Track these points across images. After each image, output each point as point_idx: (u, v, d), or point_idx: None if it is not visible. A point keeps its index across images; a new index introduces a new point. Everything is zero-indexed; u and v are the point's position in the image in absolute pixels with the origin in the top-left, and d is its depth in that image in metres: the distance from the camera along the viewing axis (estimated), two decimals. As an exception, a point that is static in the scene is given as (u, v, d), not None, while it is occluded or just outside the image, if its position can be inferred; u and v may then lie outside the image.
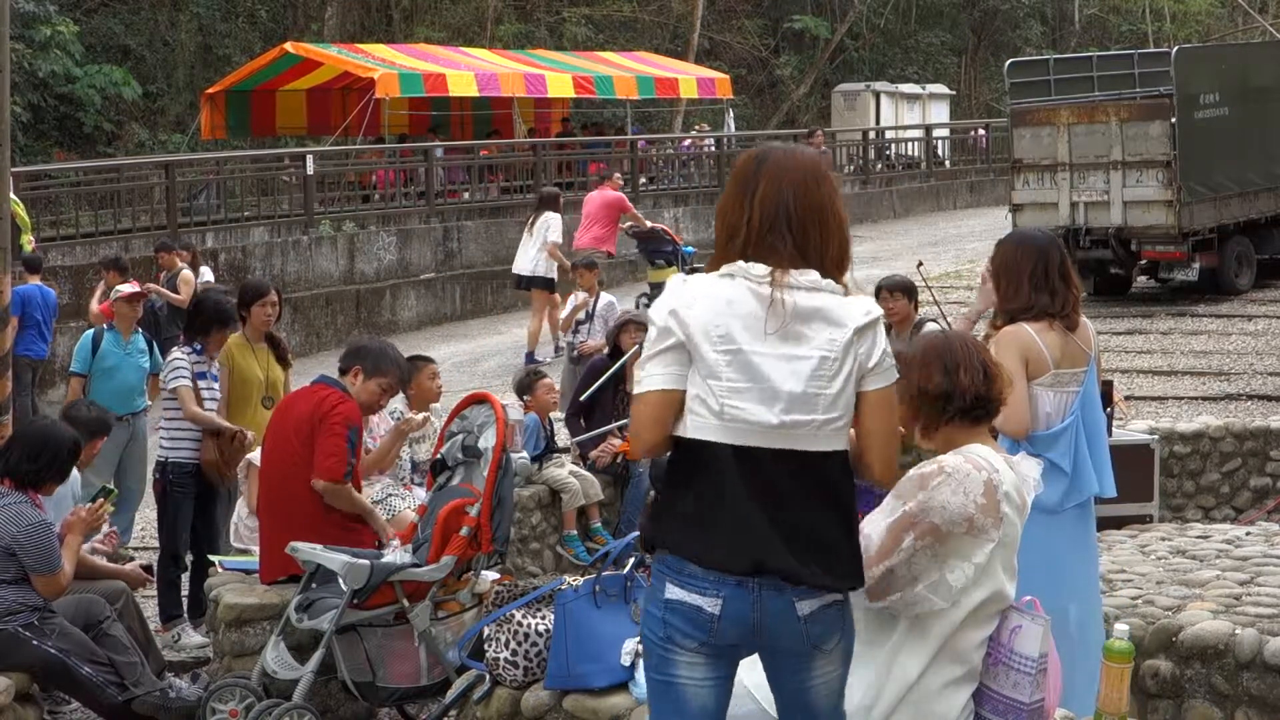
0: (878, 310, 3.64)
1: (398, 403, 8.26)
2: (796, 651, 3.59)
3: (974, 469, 3.88)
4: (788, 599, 3.53)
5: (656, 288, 16.31)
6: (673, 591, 3.55)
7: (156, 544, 9.68)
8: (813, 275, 3.55)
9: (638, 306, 14.89)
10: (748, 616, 3.52)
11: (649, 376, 3.54)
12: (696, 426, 3.51)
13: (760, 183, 3.59)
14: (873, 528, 3.92)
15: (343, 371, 7.08)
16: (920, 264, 7.77)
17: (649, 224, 18.26)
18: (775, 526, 3.52)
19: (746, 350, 3.49)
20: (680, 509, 3.58)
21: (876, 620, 3.94)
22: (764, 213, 3.56)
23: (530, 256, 16.44)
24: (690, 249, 17.99)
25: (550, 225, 16.35)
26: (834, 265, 3.60)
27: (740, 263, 3.54)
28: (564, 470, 9.50)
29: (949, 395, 3.97)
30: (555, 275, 16.25)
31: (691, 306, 3.51)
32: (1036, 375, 5.27)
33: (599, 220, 17.32)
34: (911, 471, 3.94)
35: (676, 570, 3.55)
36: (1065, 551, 5.32)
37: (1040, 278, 5.33)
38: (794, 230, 3.55)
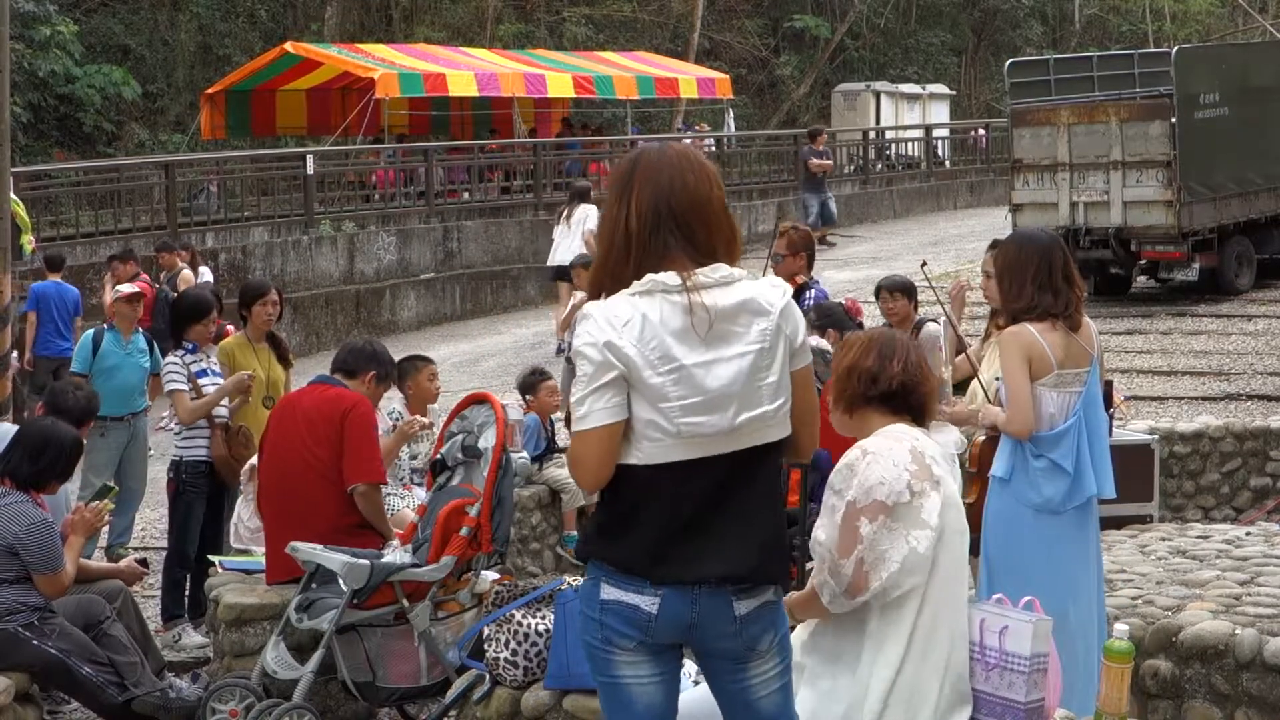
0: (785, 284, 3.64)
1: (396, 403, 8.25)
2: (732, 654, 3.60)
3: (894, 442, 3.98)
4: (726, 598, 3.54)
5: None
6: (608, 592, 3.54)
7: (156, 544, 9.68)
8: (722, 269, 3.53)
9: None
10: (685, 616, 3.53)
11: (591, 413, 3.45)
12: (653, 451, 3.47)
13: (635, 186, 3.55)
14: (824, 531, 3.96)
15: (349, 373, 7.06)
16: (924, 264, 7.75)
17: None
18: (717, 532, 3.52)
19: (688, 365, 3.45)
20: (619, 526, 3.54)
21: (846, 621, 3.96)
22: (642, 216, 3.51)
23: (573, 247, 16.66)
24: None
25: (589, 216, 16.76)
26: (727, 253, 3.57)
27: (651, 277, 3.47)
28: (564, 470, 9.50)
29: (875, 377, 4.05)
30: None
31: (621, 335, 3.44)
32: (1040, 375, 5.28)
33: None
34: (839, 464, 4.01)
35: (612, 572, 3.54)
36: (1066, 552, 5.32)
37: (1044, 278, 5.34)
38: (680, 227, 3.52)
